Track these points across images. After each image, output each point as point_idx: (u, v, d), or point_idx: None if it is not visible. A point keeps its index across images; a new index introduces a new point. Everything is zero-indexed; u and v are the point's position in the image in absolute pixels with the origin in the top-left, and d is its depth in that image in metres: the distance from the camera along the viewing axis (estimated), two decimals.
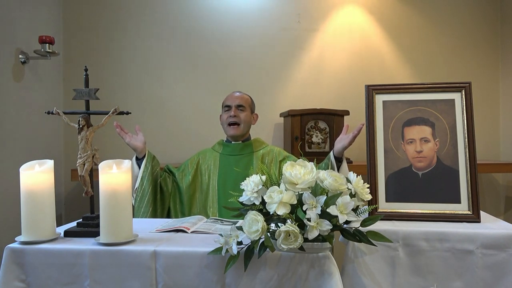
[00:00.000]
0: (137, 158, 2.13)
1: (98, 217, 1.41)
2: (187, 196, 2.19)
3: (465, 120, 1.65)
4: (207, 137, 2.80)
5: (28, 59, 2.37)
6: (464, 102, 1.67)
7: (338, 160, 2.00)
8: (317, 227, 1.20)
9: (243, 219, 1.25)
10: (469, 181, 1.60)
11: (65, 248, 1.33)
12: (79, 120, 1.46)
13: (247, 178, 1.33)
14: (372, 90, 1.73)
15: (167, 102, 2.93)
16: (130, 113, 1.52)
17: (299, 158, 1.34)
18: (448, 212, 1.59)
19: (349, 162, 2.61)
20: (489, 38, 3.02)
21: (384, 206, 1.63)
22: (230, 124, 2.22)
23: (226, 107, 2.26)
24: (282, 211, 1.21)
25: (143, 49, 2.91)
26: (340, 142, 1.97)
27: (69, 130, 2.76)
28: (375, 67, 2.98)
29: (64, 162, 2.83)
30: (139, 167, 2.11)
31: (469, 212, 1.58)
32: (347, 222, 1.21)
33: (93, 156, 1.48)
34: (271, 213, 1.23)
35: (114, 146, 2.86)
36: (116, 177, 1.34)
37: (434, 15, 3.00)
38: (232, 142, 2.28)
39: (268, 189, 1.26)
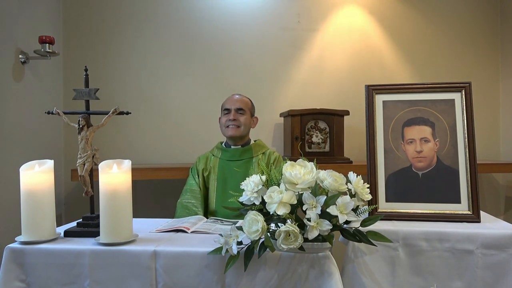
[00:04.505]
0: None
1: (98, 217, 1.41)
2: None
3: (465, 120, 1.65)
4: (206, 138, 2.80)
5: (28, 59, 2.36)
6: (464, 102, 1.67)
7: None
8: (317, 227, 1.20)
9: (243, 219, 1.25)
10: (469, 181, 1.61)
11: (65, 248, 1.34)
12: (79, 120, 1.46)
13: (247, 178, 1.33)
14: (372, 90, 1.73)
15: (166, 102, 2.92)
16: (130, 113, 1.53)
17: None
18: (448, 212, 1.59)
19: (349, 162, 2.61)
20: (489, 38, 3.02)
21: (384, 206, 1.63)
22: (229, 125, 2.19)
23: (226, 110, 2.23)
24: (282, 211, 1.21)
25: (143, 50, 2.91)
26: None
27: (69, 130, 2.76)
28: (375, 67, 2.98)
29: (64, 162, 2.82)
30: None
31: (469, 212, 1.58)
32: (347, 222, 1.21)
33: (93, 156, 1.48)
34: (271, 213, 1.23)
35: (114, 146, 2.87)
36: (116, 177, 1.34)
37: (434, 15, 3.00)
38: (232, 147, 2.25)
39: (268, 189, 1.26)
